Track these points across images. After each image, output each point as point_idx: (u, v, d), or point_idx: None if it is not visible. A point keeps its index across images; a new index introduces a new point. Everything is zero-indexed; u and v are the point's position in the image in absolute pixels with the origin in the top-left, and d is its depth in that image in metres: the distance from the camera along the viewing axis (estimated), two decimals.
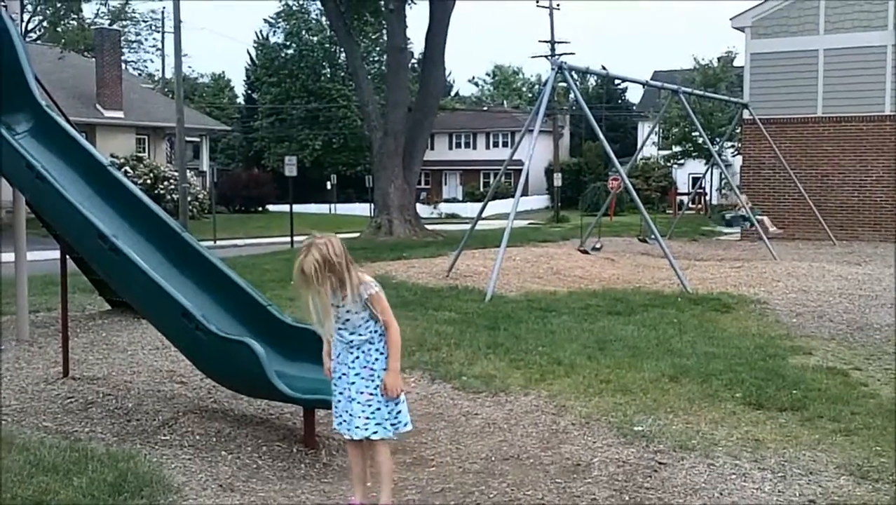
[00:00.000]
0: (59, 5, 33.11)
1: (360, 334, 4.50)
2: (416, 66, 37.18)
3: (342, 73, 60.78)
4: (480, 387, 7.22)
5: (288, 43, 63.03)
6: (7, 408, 6.38)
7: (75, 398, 6.70)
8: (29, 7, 38.51)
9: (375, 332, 4.51)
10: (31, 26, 41.49)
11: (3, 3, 8.30)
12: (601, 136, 14.52)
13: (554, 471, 5.29)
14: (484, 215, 15.38)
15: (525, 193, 16.50)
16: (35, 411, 6.34)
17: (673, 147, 46.86)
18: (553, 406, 6.65)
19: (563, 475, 5.21)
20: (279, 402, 6.07)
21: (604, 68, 19.93)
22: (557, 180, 43.53)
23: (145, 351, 8.44)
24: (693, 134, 41.26)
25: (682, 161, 47.75)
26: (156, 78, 59.28)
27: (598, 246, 18.39)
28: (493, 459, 5.55)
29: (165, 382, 7.30)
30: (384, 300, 4.50)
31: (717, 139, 33.09)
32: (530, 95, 79.84)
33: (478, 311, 10.80)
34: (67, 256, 7.67)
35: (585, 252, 17.22)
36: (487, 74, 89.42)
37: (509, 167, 18.37)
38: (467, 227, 16.83)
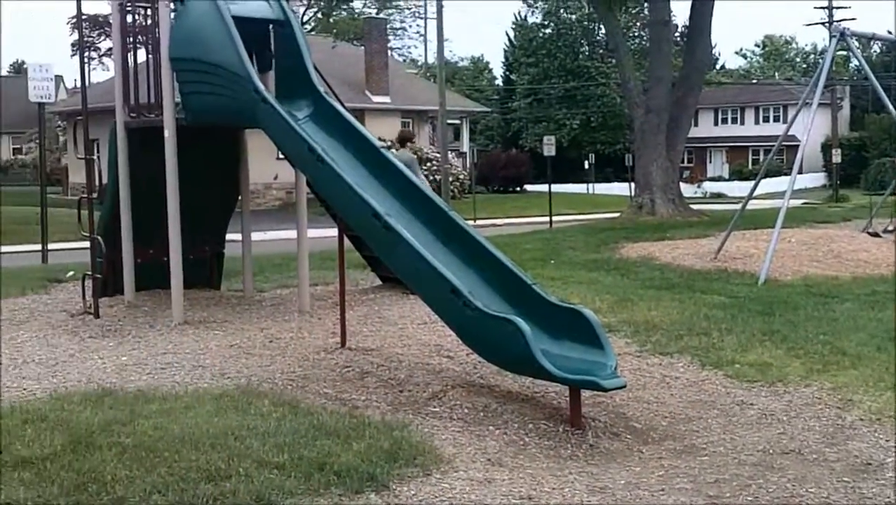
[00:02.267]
0: None
1: None
2: (679, 39, 35.98)
3: (600, 51, 60.01)
4: (755, 376, 6.86)
5: (546, 22, 63.10)
6: (292, 374, 6.82)
7: (352, 368, 7.04)
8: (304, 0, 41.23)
9: None
10: (305, 18, 44.38)
11: None
12: (891, 107, 13.31)
13: (840, 469, 4.90)
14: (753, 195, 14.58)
15: (799, 171, 15.29)
16: (316, 378, 6.72)
17: None
18: (837, 399, 6.17)
19: (850, 474, 4.81)
20: (544, 380, 6.05)
21: (890, 33, 18.21)
22: (836, 157, 40.56)
23: (414, 325, 8.73)
24: None
25: None
26: (419, 63, 61.53)
27: (891, 228, 16.87)
28: (770, 451, 5.23)
29: (433, 356, 7.51)
30: None
31: None
32: (804, 66, 74.88)
33: (750, 295, 10.29)
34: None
35: (876, 235, 15.86)
36: (756, 45, 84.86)
37: (782, 143, 17.26)
38: (733, 206, 16.07)
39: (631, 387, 6.43)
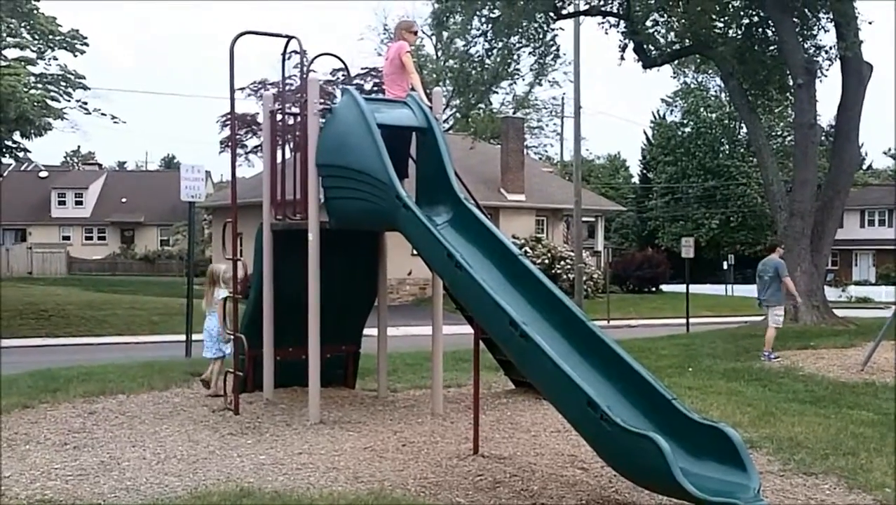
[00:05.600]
0: (470, 97, 36.30)
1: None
2: (825, 140, 35.06)
3: (741, 150, 59.16)
4: None
5: (685, 121, 62.87)
6: (424, 481, 6.82)
7: (484, 476, 6.98)
8: (443, 100, 42.20)
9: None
10: (444, 117, 45.56)
11: (429, 105, 9.11)
12: None
13: None
14: None
15: None
16: (449, 486, 6.69)
17: None
18: None
19: None
20: (683, 500, 5.82)
21: None
22: None
23: (547, 433, 8.61)
24: None
25: None
26: (554, 161, 61.98)
27: None
28: None
29: (567, 467, 7.37)
30: None
31: None
32: None
33: None
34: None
35: None
36: None
37: None
38: (882, 313, 15.29)
39: None
